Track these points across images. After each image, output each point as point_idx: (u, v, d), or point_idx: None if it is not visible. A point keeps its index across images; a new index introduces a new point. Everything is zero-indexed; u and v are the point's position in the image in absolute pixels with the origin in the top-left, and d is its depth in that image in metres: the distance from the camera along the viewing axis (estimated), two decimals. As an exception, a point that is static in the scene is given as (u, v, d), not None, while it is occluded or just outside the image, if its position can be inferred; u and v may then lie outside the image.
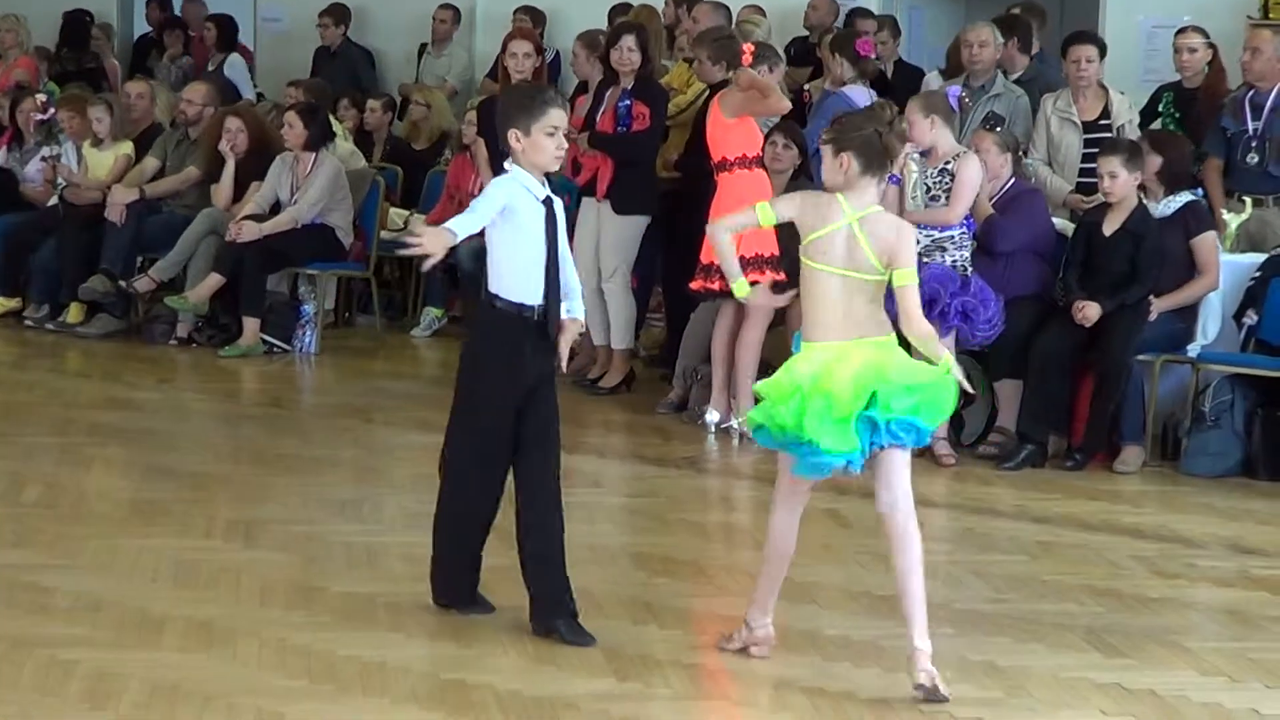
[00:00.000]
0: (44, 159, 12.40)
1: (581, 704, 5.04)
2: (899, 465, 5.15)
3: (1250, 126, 9.55)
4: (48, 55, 14.89)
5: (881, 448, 5.12)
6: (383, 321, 11.89)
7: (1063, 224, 9.07)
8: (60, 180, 12.12)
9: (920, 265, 8.33)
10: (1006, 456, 8.44)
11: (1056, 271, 8.72)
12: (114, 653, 5.35)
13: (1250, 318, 8.64)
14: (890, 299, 5.19)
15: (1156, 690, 5.32)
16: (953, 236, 8.47)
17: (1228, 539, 7.32)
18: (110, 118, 11.91)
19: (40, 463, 8.03)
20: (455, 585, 5.77)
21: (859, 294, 5.14)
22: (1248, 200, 9.32)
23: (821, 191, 5.30)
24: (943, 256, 8.45)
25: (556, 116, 5.53)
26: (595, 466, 8.34)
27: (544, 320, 5.56)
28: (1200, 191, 9.00)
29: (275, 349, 10.96)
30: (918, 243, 8.26)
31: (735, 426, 8.70)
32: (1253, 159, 9.53)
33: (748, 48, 8.88)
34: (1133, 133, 9.59)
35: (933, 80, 10.72)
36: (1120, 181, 8.39)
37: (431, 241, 5.29)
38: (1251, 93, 9.61)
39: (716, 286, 8.67)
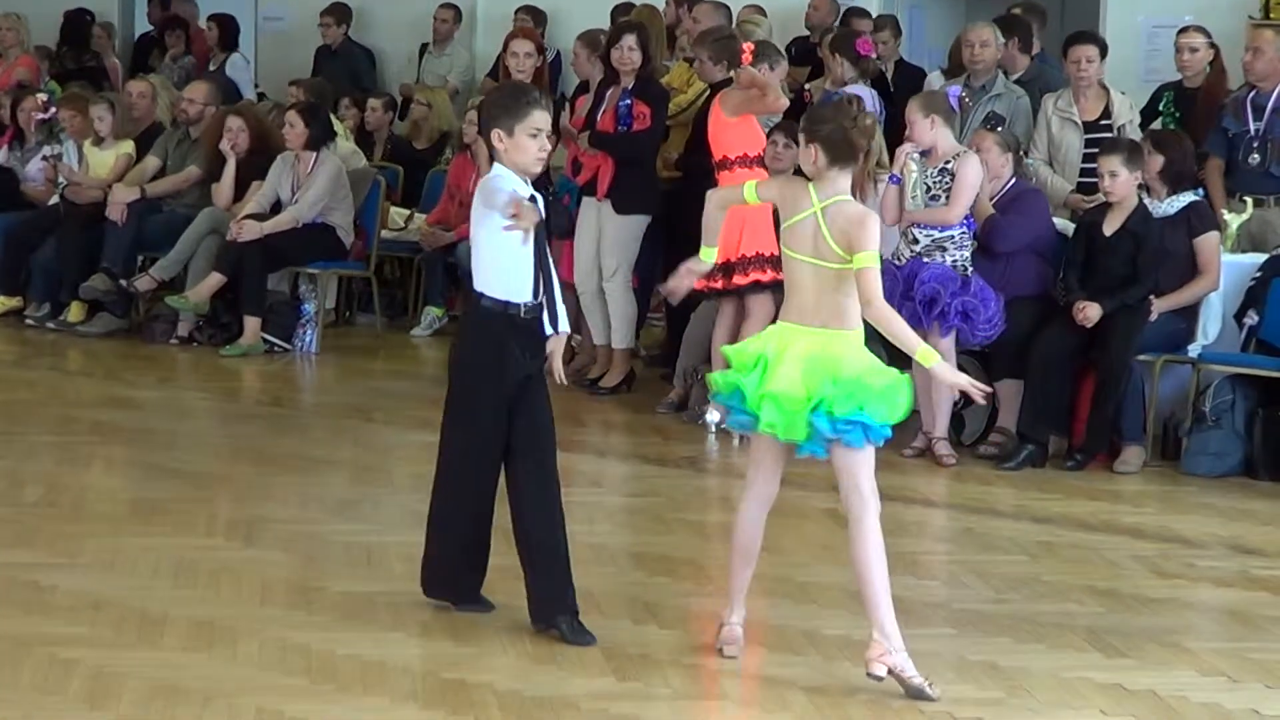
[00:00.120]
0: (45, 158, 12.41)
1: (581, 703, 5.04)
2: (851, 459, 5.19)
3: (1252, 127, 9.55)
4: (48, 54, 14.89)
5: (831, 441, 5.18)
6: (383, 321, 11.90)
7: (1063, 224, 9.07)
8: (61, 179, 12.12)
9: (921, 265, 8.44)
10: (1007, 456, 8.44)
11: (1057, 271, 8.72)
12: (114, 652, 5.35)
13: (1251, 318, 8.64)
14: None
15: (1157, 690, 5.32)
16: (953, 236, 8.47)
17: (1228, 539, 7.32)
18: (112, 116, 11.91)
19: (41, 462, 8.03)
20: (448, 581, 5.78)
21: (827, 283, 5.18)
22: (1249, 200, 9.32)
23: (800, 179, 5.37)
24: (943, 256, 8.45)
25: (539, 118, 5.52)
26: (595, 466, 8.35)
27: (532, 318, 5.57)
28: (1202, 191, 9.00)
29: (276, 348, 10.96)
30: (916, 242, 8.48)
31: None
32: (1254, 159, 9.53)
33: (747, 46, 8.89)
34: (1134, 133, 9.59)
35: (934, 80, 10.73)
36: (1121, 180, 8.38)
37: (528, 216, 5.36)
38: (1253, 93, 9.61)
39: (718, 285, 8.68)
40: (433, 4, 14.46)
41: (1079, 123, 9.78)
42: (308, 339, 11.08)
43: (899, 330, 5.19)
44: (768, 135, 9.09)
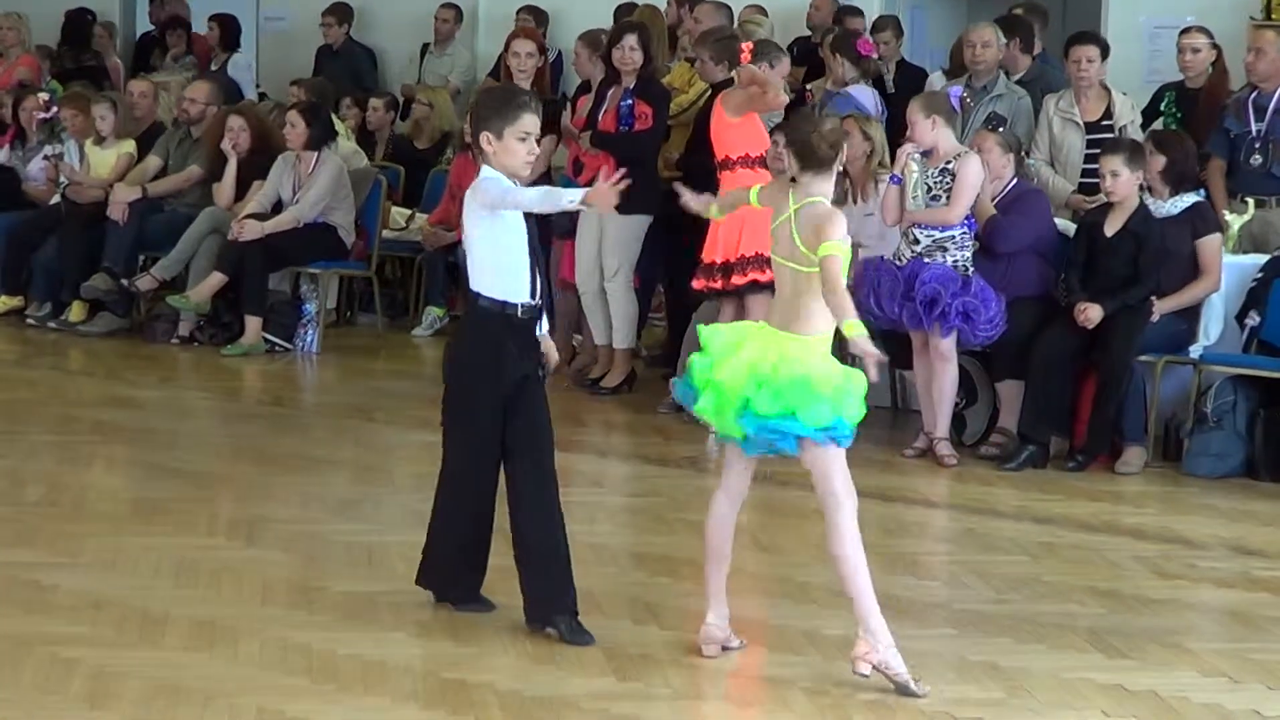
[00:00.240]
0: (46, 157, 12.41)
1: (582, 703, 5.04)
2: (818, 460, 5.23)
3: (1253, 128, 9.55)
4: (49, 53, 14.90)
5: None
6: (384, 321, 11.90)
7: (1065, 225, 9.07)
8: (62, 179, 12.13)
9: (921, 265, 8.44)
10: (1008, 457, 8.44)
11: (1058, 272, 8.71)
12: (115, 651, 5.35)
13: (1253, 319, 8.64)
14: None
15: (1158, 691, 5.32)
16: (954, 236, 8.47)
17: (1229, 540, 7.32)
18: (114, 116, 11.92)
19: (42, 461, 8.03)
20: (446, 579, 5.78)
21: (800, 286, 5.21)
22: (1250, 201, 9.31)
23: (787, 183, 5.42)
24: (944, 257, 8.45)
25: (529, 122, 5.51)
26: (596, 466, 8.35)
27: (529, 319, 5.57)
28: (1203, 192, 9.00)
29: (277, 348, 10.97)
30: (917, 242, 8.48)
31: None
32: (1256, 160, 9.53)
33: (746, 45, 8.88)
34: (1135, 133, 9.59)
35: (935, 81, 10.74)
36: (1122, 180, 8.38)
37: (604, 200, 5.41)
38: (1254, 94, 9.61)
39: (718, 285, 8.68)
40: (434, 4, 14.47)
41: (1080, 123, 9.78)
42: (309, 339, 11.08)
43: (844, 310, 5.11)
44: (770, 135, 9.09)
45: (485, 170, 5.55)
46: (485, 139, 5.53)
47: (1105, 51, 9.91)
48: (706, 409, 5.29)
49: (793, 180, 5.37)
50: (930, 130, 8.51)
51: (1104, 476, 8.32)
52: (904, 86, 11.05)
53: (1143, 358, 8.46)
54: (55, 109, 12.42)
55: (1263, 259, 8.90)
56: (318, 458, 8.25)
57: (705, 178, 8.85)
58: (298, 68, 14.39)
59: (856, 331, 5.08)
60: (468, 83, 14.17)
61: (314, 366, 10.91)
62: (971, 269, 8.46)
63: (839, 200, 9.28)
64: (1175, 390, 8.67)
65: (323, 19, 14.73)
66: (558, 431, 5.70)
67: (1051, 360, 8.40)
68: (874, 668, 5.18)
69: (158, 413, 9.31)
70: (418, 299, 12.08)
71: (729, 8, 11.07)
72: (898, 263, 8.50)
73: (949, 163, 8.50)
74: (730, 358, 5.25)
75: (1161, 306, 8.47)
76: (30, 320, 11.70)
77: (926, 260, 8.44)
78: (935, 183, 8.51)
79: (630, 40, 9.63)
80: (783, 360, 5.17)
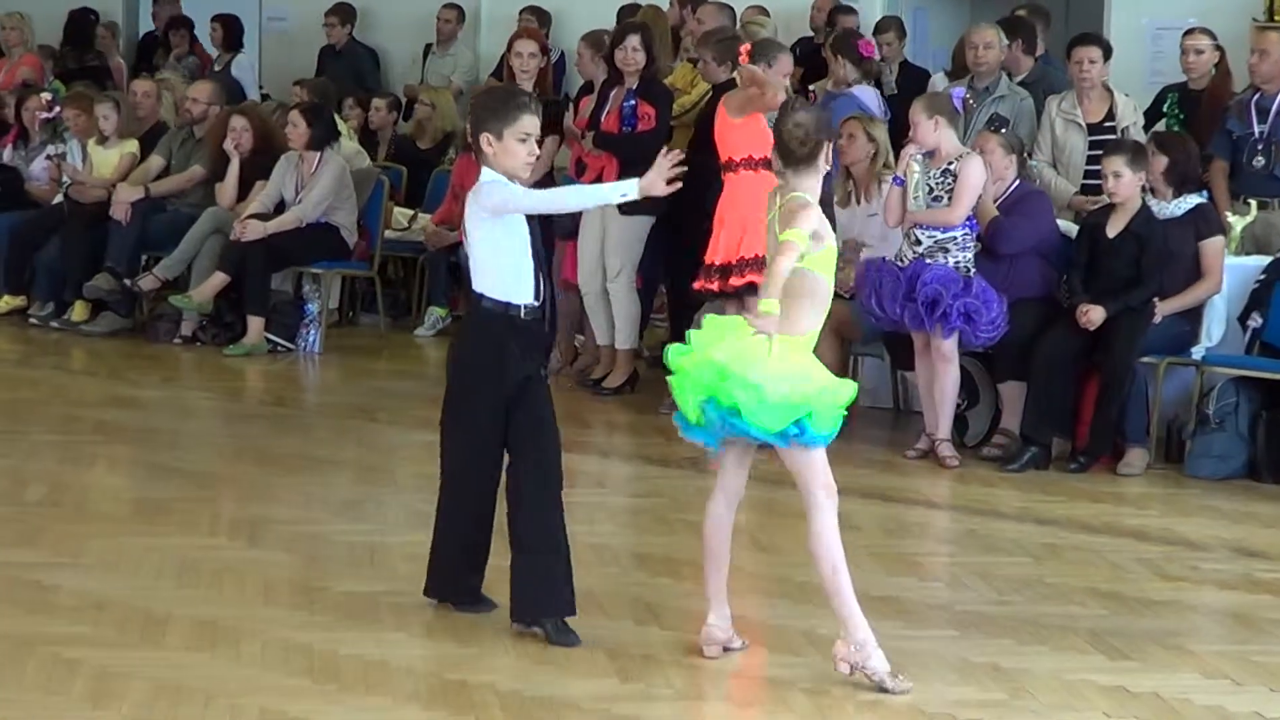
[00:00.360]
0: (49, 157, 12.42)
1: (583, 704, 5.04)
2: (796, 461, 5.26)
3: (1256, 129, 9.54)
4: (52, 53, 14.91)
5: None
6: (387, 321, 11.90)
7: (1067, 226, 9.06)
8: (65, 178, 12.14)
9: (923, 266, 8.44)
10: (1010, 458, 8.43)
11: (1061, 273, 8.71)
12: (117, 652, 5.35)
13: (1255, 320, 8.64)
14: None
15: (1160, 693, 5.31)
16: (955, 238, 8.46)
17: (1232, 542, 7.31)
18: (118, 115, 11.93)
19: (44, 461, 8.03)
20: (448, 581, 5.77)
21: (785, 285, 5.19)
22: (1253, 203, 9.31)
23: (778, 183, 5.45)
24: (945, 257, 8.44)
25: (529, 123, 5.51)
26: (598, 467, 8.35)
27: (532, 320, 5.57)
28: (1206, 193, 8.99)
29: (279, 348, 10.97)
30: (919, 243, 8.47)
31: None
32: (1259, 162, 9.52)
33: (744, 46, 8.88)
34: (1138, 135, 9.59)
35: (938, 82, 10.73)
36: (1125, 181, 8.38)
37: (658, 185, 5.47)
38: (1257, 95, 9.60)
39: (716, 287, 8.67)
40: (436, 4, 14.47)
41: (1083, 124, 9.77)
42: (311, 339, 11.08)
43: (767, 290, 5.14)
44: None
45: (485, 173, 5.55)
46: (485, 140, 5.53)
47: (1107, 53, 9.91)
48: (674, 386, 5.37)
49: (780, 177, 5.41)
50: (933, 131, 8.51)
51: (1106, 478, 8.32)
52: (906, 88, 11.05)
53: (1145, 359, 8.46)
54: (58, 109, 12.42)
55: (1265, 260, 8.90)
56: (320, 458, 8.25)
57: (708, 179, 8.87)
58: (300, 68, 14.40)
59: (766, 310, 5.09)
60: (470, 83, 14.18)
61: (316, 367, 10.91)
62: (973, 270, 8.46)
63: (843, 201, 9.37)
64: (1177, 392, 8.66)
65: (325, 19, 14.73)
66: (560, 432, 5.70)
67: (1053, 361, 8.40)
68: (852, 667, 5.19)
69: (160, 413, 9.32)
70: (420, 299, 12.09)
71: (731, 8, 11.06)
72: (899, 264, 8.50)
73: (951, 164, 8.49)
74: (709, 348, 5.26)
75: (1164, 308, 8.47)
76: (33, 320, 11.72)
77: (928, 261, 8.44)
78: (937, 184, 8.50)
79: (633, 41, 9.63)
80: (745, 361, 5.15)
